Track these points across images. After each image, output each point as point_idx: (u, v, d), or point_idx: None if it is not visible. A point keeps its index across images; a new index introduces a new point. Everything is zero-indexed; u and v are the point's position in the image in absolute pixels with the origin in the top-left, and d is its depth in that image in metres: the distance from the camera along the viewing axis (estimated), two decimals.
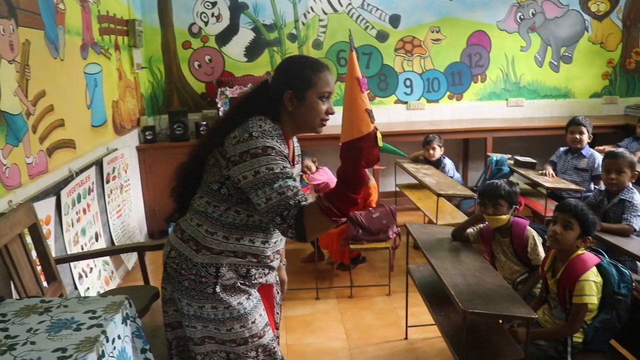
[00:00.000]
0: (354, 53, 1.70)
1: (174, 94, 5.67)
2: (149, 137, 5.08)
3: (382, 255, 4.31)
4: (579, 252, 2.35)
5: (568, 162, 4.37)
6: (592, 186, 4.25)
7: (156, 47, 5.54)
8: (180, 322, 1.94)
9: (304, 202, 1.68)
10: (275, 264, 2.00)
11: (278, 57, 5.69)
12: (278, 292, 2.19)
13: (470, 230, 2.94)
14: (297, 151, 2.04)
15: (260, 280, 1.94)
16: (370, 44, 5.80)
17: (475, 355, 2.21)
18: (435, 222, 3.91)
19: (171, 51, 5.59)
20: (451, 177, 4.64)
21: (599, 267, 2.33)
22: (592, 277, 2.29)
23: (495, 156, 4.78)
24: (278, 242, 1.97)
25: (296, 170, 2.00)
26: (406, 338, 3.28)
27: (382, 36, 5.80)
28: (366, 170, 1.64)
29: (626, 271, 2.38)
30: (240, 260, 1.86)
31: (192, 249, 1.84)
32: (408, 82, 5.95)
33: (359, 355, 3.12)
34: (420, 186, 4.59)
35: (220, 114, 5.02)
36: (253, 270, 1.90)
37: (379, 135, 1.61)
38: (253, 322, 1.88)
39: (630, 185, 3.13)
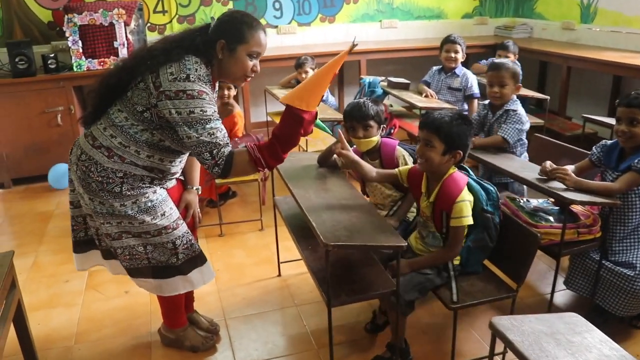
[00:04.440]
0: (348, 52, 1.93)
1: (15, 23, 4.83)
2: None
3: (255, 188, 4.01)
4: (451, 171, 2.18)
5: (441, 81, 4.26)
6: (464, 105, 4.19)
7: None
8: (79, 202, 2.11)
9: (230, 145, 1.91)
10: (176, 175, 2.21)
11: None
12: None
13: None
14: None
15: (162, 186, 2.12)
16: None
17: (344, 290, 2.01)
18: (305, 149, 3.66)
19: None
20: (324, 100, 4.38)
21: (468, 185, 2.19)
22: (467, 196, 2.15)
23: (368, 78, 4.58)
24: (183, 161, 2.18)
25: None
26: (279, 275, 3.06)
27: None
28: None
29: (491, 188, 2.26)
30: (147, 173, 2.02)
31: (104, 154, 1.96)
32: (277, 5, 5.52)
33: (229, 297, 2.86)
34: None
35: (70, 44, 4.35)
36: (156, 181, 2.07)
37: (318, 114, 1.96)
38: (163, 215, 2.06)
39: (515, 97, 2.96)
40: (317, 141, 3.86)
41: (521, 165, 2.66)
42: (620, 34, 4.95)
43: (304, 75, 4.42)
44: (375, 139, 2.56)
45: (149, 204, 2.03)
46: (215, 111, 1.90)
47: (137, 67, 1.93)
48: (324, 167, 2.65)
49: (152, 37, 4.94)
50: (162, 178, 2.09)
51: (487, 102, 3.04)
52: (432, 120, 2.14)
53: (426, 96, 4.15)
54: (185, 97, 1.83)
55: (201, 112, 1.84)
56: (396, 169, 2.39)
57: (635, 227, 2.43)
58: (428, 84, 4.34)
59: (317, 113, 1.92)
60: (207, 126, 1.84)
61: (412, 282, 2.13)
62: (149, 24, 5.16)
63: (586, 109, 5.17)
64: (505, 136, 2.83)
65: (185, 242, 2.13)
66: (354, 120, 2.55)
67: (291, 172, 2.56)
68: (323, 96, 1.85)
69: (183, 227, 2.13)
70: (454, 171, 2.19)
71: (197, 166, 2.41)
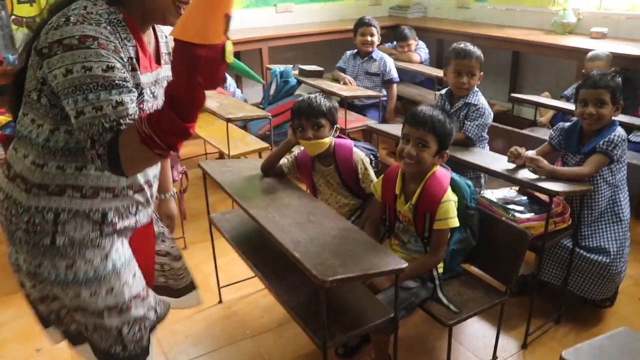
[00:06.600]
0: None
1: None
2: None
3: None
4: (434, 169, 1.97)
5: (358, 66, 4.03)
6: (383, 91, 3.99)
7: None
8: None
9: (124, 125, 1.17)
10: (145, 195, 1.48)
11: None
12: (163, 227, 1.76)
13: (283, 160, 2.36)
14: (166, 48, 1.52)
15: (125, 223, 1.43)
16: None
17: (335, 325, 1.68)
18: (227, 153, 3.26)
19: None
20: (231, 93, 4.00)
21: (451, 182, 2.00)
22: (451, 196, 1.96)
23: (278, 68, 4.23)
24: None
25: (163, 71, 1.47)
26: (220, 301, 2.66)
27: None
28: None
29: (470, 182, 2.09)
30: (90, 202, 1.34)
31: (21, 188, 1.33)
32: None
33: (168, 338, 2.41)
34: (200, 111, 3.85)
35: None
36: (111, 213, 1.38)
37: (228, 48, 1.09)
38: (110, 292, 1.39)
39: (475, 87, 2.66)
40: (237, 142, 3.45)
41: (488, 157, 2.48)
42: (514, 12, 5.02)
43: None
44: (328, 140, 2.25)
45: (90, 274, 1.36)
46: (110, 68, 1.17)
47: (30, 39, 1.31)
48: (269, 177, 2.30)
49: (20, 33, 4.22)
50: (116, 200, 1.39)
51: (444, 91, 2.76)
52: (425, 118, 1.90)
53: (344, 83, 3.89)
54: (61, 51, 1.16)
55: (82, 71, 1.14)
56: (371, 187, 2.17)
57: (602, 210, 2.35)
58: (343, 70, 4.09)
59: (224, 47, 1.07)
60: (91, 96, 1.15)
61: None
62: (13, 17, 4.38)
63: (490, 88, 5.22)
64: (469, 134, 2.59)
65: (136, 331, 1.47)
66: (303, 117, 2.21)
67: (236, 186, 2.18)
68: (230, 20, 1.08)
69: (138, 310, 1.47)
70: (436, 169, 1.97)
71: (166, 167, 1.89)
